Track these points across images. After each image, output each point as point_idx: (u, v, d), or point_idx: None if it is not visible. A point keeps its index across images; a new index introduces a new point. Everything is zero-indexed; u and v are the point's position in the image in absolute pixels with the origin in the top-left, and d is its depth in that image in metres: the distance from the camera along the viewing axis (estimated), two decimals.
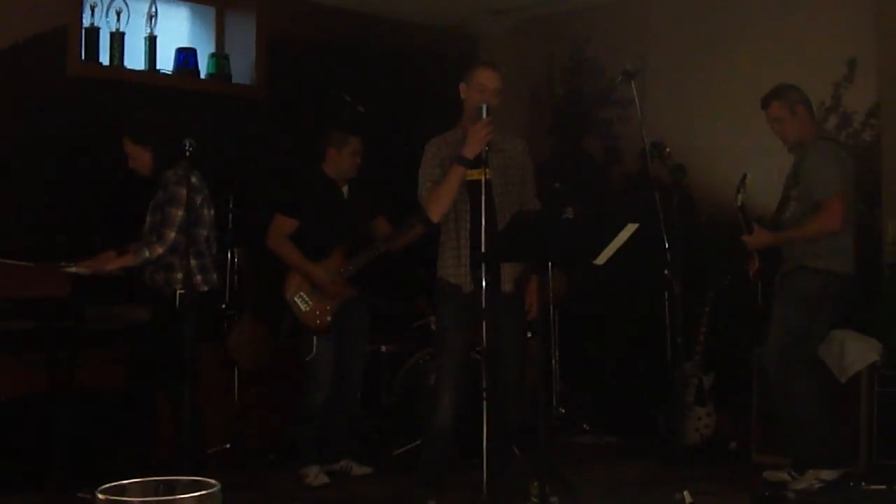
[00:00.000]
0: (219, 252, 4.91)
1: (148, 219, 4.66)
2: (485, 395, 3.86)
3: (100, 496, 1.19)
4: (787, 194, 4.82)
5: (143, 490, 1.25)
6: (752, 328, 5.72)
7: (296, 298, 5.00)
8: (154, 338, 4.58)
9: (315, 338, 4.97)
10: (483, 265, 3.92)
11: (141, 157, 4.64)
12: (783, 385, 4.65)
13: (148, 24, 5.97)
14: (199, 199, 4.55)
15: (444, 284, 4.35)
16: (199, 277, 4.53)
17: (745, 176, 4.78)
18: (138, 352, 4.66)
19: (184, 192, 4.42)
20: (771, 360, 4.68)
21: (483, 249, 3.97)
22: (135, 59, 5.94)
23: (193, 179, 4.37)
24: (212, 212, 4.71)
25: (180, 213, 4.47)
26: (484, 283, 3.88)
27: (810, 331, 4.69)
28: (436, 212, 4.28)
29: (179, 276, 4.51)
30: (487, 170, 4.01)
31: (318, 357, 4.97)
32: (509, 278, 4.33)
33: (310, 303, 5.00)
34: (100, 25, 5.76)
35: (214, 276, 4.72)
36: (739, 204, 4.74)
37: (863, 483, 4.51)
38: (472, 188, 4.25)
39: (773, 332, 4.72)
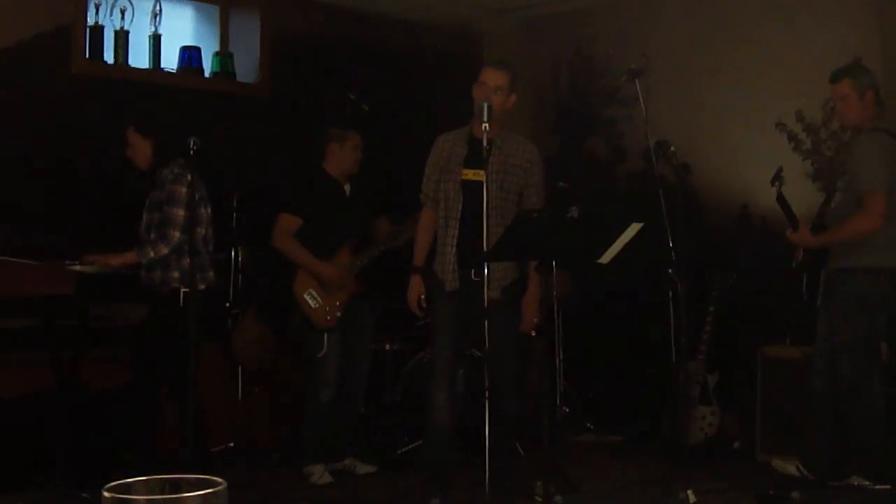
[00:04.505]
0: (218, 250, 4.91)
1: (144, 216, 4.65)
2: (486, 394, 3.85)
3: (105, 494, 1.19)
4: (834, 184, 4.73)
5: (149, 488, 1.24)
6: (757, 326, 5.73)
7: (305, 296, 5.01)
8: (151, 337, 4.58)
9: (326, 334, 4.98)
10: (483, 265, 3.89)
11: (142, 149, 4.65)
12: (858, 395, 4.49)
13: (152, 23, 5.97)
14: (196, 197, 4.54)
15: (434, 278, 4.37)
16: (196, 276, 4.52)
17: (780, 169, 4.66)
18: (139, 350, 4.66)
19: (183, 190, 4.43)
20: (846, 369, 4.52)
21: (480, 250, 3.93)
22: (139, 58, 5.94)
23: (189, 178, 4.36)
24: (209, 210, 4.71)
25: (181, 212, 4.47)
26: (485, 284, 3.85)
27: (873, 333, 4.54)
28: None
29: (176, 274, 4.51)
30: (482, 171, 3.93)
31: (325, 354, 4.98)
32: (497, 285, 4.26)
33: (319, 300, 5.01)
34: (104, 24, 5.76)
35: (211, 273, 4.71)
36: (777, 195, 4.61)
37: (868, 483, 4.49)
38: (467, 188, 4.25)
39: (827, 336, 4.60)
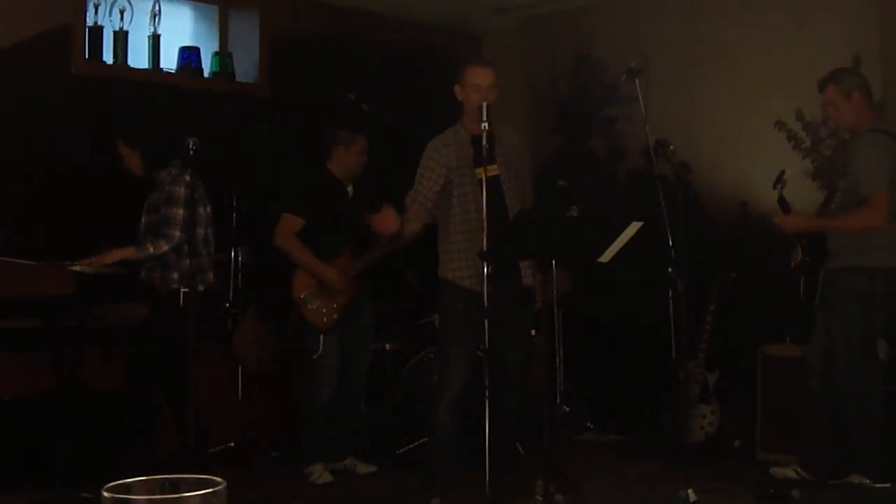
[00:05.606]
0: (218, 250, 4.91)
1: (143, 219, 4.65)
2: (487, 393, 3.85)
3: (105, 494, 1.19)
4: (834, 185, 4.74)
5: (149, 488, 1.24)
6: (757, 326, 5.72)
7: (303, 296, 5.01)
8: (150, 337, 4.58)
9: (322, 336, 4.98)
10: (490, 262, 3.88)
11: (133, 159, 4.67)
12: (855, 393, 4.50)
13: (151, 23, 5.97)
14: (194, 197, 4.54)
15: (450, 284, 4.33)
16: (195, 277, 4.52)
17: (782, 172, 4.66)
18: (137, 350, 4.66)
19: (181, 190, 4.43)
20: (843, 368, 4.53)
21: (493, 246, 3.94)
22: (138, 58, 5.94)
23: (188, 178, 4.36)
24: (208, 209, 4.71)
25: (181, 211, 4.46)
26: (485, 282, 3.85)
27: (870, 332, 4.55)
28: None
29: (175, 275, 4.51)
30: (496, 165, 3.96)
31: (323, 355, 4.98)
32: (529, 272, 4.35)
33: (317, 301, 5.01)
34: (103, 24, 5.76)
35: (210, 275, 4.70)
36: (779, 199, 4.62)
37: (867, 481, 4.49)
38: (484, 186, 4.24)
39: (824, 335, 4.60)
